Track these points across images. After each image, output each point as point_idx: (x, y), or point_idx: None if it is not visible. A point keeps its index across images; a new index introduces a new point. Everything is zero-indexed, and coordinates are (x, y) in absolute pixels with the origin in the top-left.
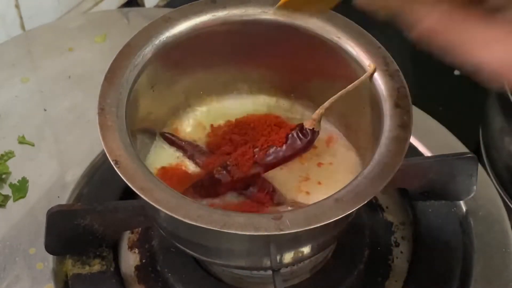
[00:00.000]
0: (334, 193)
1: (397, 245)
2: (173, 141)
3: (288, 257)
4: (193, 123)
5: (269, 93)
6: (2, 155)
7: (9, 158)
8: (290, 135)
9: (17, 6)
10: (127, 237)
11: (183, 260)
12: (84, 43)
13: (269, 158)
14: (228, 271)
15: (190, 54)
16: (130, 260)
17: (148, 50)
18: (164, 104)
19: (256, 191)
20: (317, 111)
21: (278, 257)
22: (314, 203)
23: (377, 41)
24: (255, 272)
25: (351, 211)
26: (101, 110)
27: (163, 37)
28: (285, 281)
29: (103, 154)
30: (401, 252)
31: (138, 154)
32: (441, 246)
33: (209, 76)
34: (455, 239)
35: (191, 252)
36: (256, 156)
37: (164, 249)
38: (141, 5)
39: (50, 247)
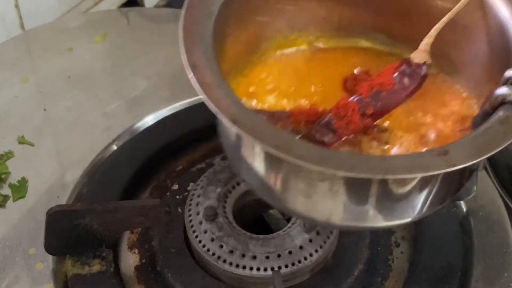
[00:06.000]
0: (473, 132)
1: (397, 245)
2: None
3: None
4: (281, 68)
5: (364, 35)
6: (1, 155)
7: (9, 158)
8: (397, 74)
9: (17, 6)
10: (127, 237)
11: (183, 260)
12: (84, 43)
13: (379, 105)
14: (228, 272)
15: None
16: (130, 260)
17: None
18: (248, 52)
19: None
20: (424, 41)
21: (376, 213)
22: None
23: None
24: (255, 272)
25: None
26: (194, 68)
27: None
28: (285, 281)
29: (103, 154)
30: (401, 252)
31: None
32: (441, 246)
33: (298, 16)
34: (455, 239)
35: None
36: (362, 105)
37: (164, 249)
38: (141, 5)
39: (50, 247)
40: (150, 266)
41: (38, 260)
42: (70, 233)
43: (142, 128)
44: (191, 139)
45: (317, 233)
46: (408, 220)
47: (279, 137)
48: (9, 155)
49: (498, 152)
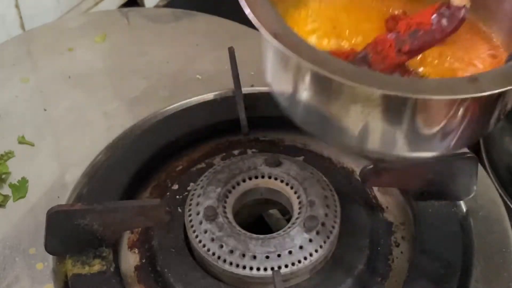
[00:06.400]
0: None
1: (397, 245)
2: None
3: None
4: (322, 9)
5: None
6: (2, 155)
7: (9, 158)
8: (436, 16)
9: (17, 6)
10: (127, 237)
11: (183, 260)
12: (84, 43)
13: (415, 43)
14: (228, 272)
15: None
16: (130, 260)
17: None
18: None
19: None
20: None
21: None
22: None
23: None
24: (255, 272)
25: None
26: None
27: None
28: (285, 281)
29: (103, 154)
30: (401, 252)
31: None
32: (441, 246)
33: None
34: (455, 239)
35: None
36: (399, 42)
37: (164, 249)
38: (141, 5)
39: (50, 247)
40: (150, 266)
41: (38, 260)
42: (70, 233)
43: (142, 128)
44: (191, 139)
45: (317, 233)
46: (435, 153)
47: (317, 54)
48: (9, 155)
49: (497, 152)
